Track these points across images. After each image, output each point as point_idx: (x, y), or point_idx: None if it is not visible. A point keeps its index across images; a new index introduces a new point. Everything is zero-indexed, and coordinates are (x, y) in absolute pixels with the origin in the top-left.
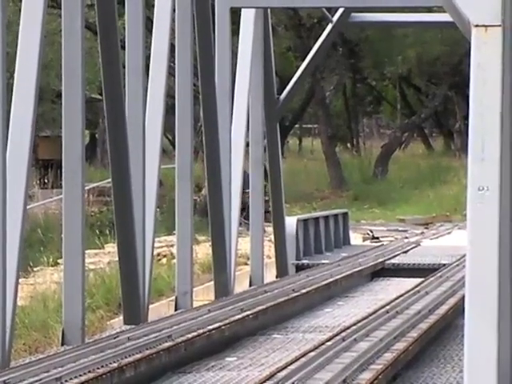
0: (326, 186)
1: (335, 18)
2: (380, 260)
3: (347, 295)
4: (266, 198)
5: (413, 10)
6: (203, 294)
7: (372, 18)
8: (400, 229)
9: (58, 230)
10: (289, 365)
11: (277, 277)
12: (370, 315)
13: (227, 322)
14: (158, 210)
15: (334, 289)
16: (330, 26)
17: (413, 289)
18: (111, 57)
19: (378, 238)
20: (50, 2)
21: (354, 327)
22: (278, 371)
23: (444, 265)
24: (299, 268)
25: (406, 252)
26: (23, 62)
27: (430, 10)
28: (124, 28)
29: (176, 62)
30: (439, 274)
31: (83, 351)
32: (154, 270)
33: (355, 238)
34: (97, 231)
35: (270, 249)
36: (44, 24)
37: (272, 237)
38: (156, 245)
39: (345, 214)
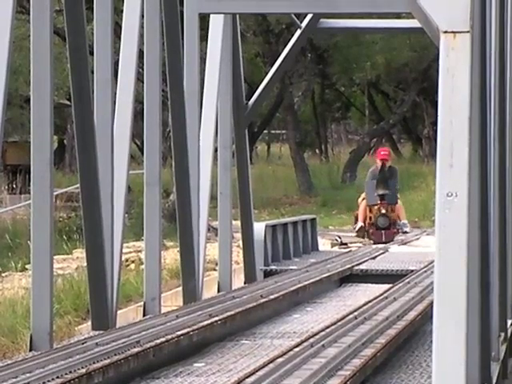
0: (294, 191)
1: (304, 24)
2: (348, 266)
3: (315, 301)
4: None
5: (381, 17)
6: (171, 299)
7: (341, 24)
8: None
9: (26, 235)
10: (257, 371)
11: (245, 283)
12: (339, 321)
13: (195, 327)
14: (126, 215)
15: (302, 295)
16: (298, 32)
17: (381, 295)
18: (80, 62)
19: (346, 243)
20: (19, 7)
21: (323, 333)
22: (246, 377)
23: (412, 271)
24: (267, 274)
25: (374, 258)
26: None
27: (398, 16)
28: (93, 33)
29: (144, 67)
30: (407, 280)
31: (51, 357)
32: (123, 275)
33: (323, 244)
34: (65, 237)
35: (238, 254)
36: (12, 29)
37: (240, 242)
38: (124, 250)
39: (313, 220)
